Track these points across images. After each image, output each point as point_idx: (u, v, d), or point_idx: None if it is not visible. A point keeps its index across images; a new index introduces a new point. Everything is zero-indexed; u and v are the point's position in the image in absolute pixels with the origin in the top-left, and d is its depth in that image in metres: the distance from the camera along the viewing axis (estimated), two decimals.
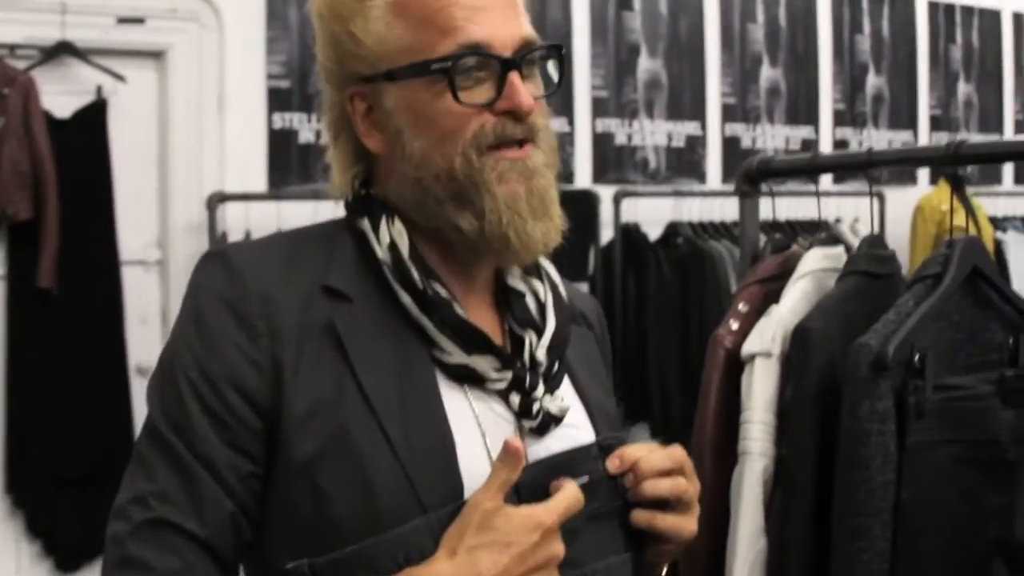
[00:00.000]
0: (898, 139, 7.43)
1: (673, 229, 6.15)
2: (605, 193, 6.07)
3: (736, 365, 2.49)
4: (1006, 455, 2.36)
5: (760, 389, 2.42)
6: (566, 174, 6.25)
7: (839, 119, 7.24)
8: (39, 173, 4.93)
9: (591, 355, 1.75)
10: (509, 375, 1.53)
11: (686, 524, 1.60)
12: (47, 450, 4.86)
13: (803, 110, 7.10)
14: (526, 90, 1.51)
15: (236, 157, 5.36)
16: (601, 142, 6.40)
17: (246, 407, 1.45)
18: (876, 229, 2.58)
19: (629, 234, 6.06)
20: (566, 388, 1.63)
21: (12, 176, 4.88)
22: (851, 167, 2.89)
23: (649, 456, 1.55)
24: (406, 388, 1.48)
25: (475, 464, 1.47)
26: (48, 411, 4.88)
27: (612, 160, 6.43)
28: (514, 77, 1.50)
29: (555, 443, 1.55)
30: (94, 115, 5.14)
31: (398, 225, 1.55)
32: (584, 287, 5.83)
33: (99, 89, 5.15)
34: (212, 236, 5.08)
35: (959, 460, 2.31)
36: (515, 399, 1.54)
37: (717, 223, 6.26)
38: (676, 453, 1.59)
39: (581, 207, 5.97)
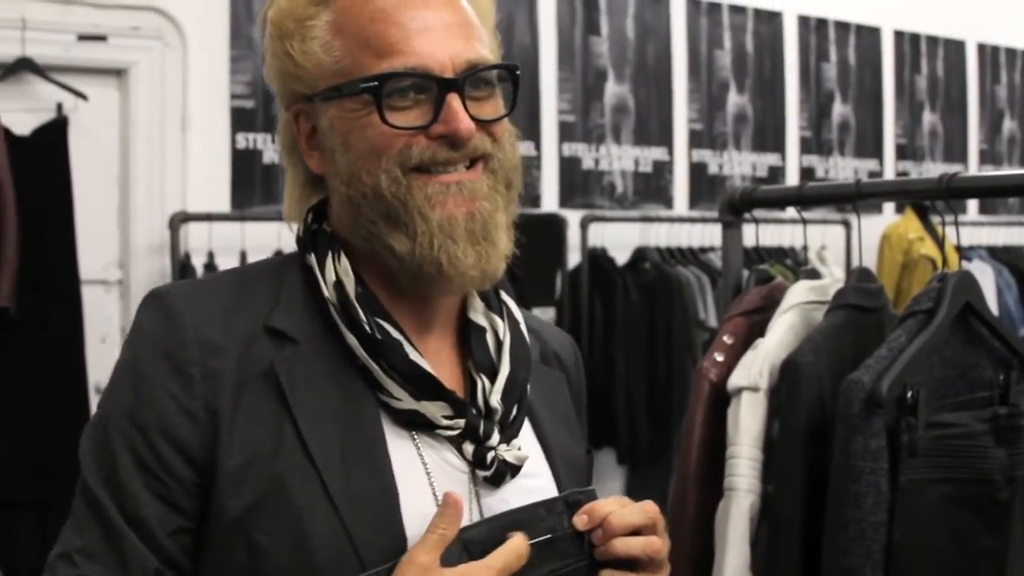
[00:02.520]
0: (864, 167, 7.43)
1: (640, 254, 6.13)
2: (572, 217, 6.03)
3: (721, 398, 2.45)
4: (998, 495, 2.32)
5: (747, 424, 2.37)
6: (532, 198, 6.21)
7: (806, 146, 7.23)
8: None
9: (560, 399, 1.67)
10: (462, 422, 1.46)
11: (651, 540, 1.46)
12: (3, 473, 4.77)
13: (770, 137, 7.08)
14: (464, 114, 1.44)
15: (199, 177, 5.28)
16: (568, 166, 6.36)
17: (178, 459, 1.40)
18: (844, 257, 2.54)
19: (596, 258, 6.03)
20: (526, 435, 1.56)
21: None
22: (839, 199, 2.86)
23: (621, 511, 1.44)
24: (349, 435, 1.42)
25: (420, 517, 1.39)
26: (4, 432, 4.79)
27: (579, 184, 6.39)
28: (452, 100, 1.44)
29: (511, 495, 1.48)
30: (55, 132, 5.05)
31: (344, 263, 1.50)
32: (550, 312, 5.80)
33: (60, 106, 5.06)
34: (174, 256, 5.01)
35: (951, 499, 2.27)
36: (468, 448, 1.47)
37: (684, 248, 6.24)
38: (649, 508, 1.47)
39: (548, 231, 5.94)
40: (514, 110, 1.55)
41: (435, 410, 1.45)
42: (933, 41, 7.77)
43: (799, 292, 2.54)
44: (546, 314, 5.84)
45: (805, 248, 2.89)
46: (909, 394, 2.20)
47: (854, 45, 7.44)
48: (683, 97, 6.77)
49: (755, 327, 2.54)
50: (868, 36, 7.50)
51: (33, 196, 4.92)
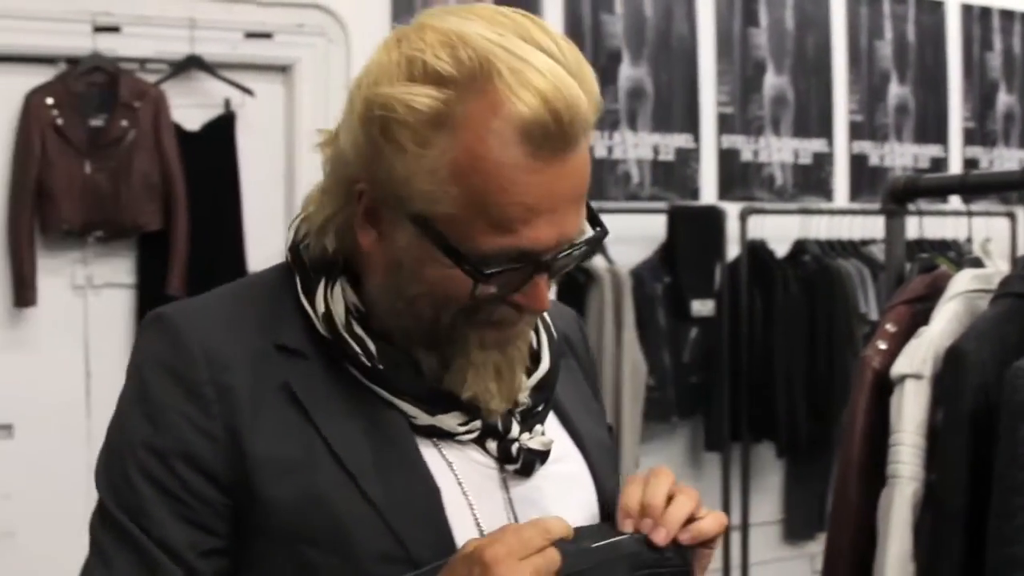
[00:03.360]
0: None
1: (800, 246, 6.08)
2: (731, 209, 6.00)
3: (884, 386, 2.45)
4: None
5: (911, 411, 2.37)
6: (691, 190, 6.22)
7: (969, 137, 7.11)
8: (169, 185, 5.00)
9: (577, 384, 1.66)
10: (478, 424, 1.44)
11: (719, 514, 1.46)
12: None
13: (932, 128, 6.98)
14: (546, 294, 1.37)
15: None
16: (727, 158, 6.35)
17: (202, 481, 1.37)
18: (1009, 249, 2.51)
19: (756, 251, 5.99)
20: (553, 425, 1.54)
21: (143, 188, 4.95)
22: (1005, 187, 2.82)
23: (649, 491, 1.43)
24: (378, 443, 1.40)
25: (458, 515, 1.40)
26: None
27: (738, 176, 6.37)
28: (541, 281, 1.36)
29: (543, 482, 1.49)
30: (223, 128, 5.20)
31: (337, 293, 1.44)
32: (710, 304, 5.79)
33: (227, 102, 5.20)
34: None
35: None
36: (492, 445, 1.46)
37: (845, 241, 6.18)
38: (661, 472, 1.46)
39: (707, 223, 5.93)
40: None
41: (451, 420, 1.43)
42: None
43: (963, 280, 2.52)
44: (705, 306, 5.84)
45: (969, 240, 2.86)
46: None
47: (1020, 33, 7.30)
48: (843, 88, 6.71)
49: (918, 315, 2.53)
50: None
51: (202, 190, 5.07)
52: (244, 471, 1.37)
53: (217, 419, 1.37)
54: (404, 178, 1.33)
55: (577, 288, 5.49)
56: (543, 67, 1.29)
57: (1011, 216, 6.59)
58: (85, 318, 5.08)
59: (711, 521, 1.44)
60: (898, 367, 2.42)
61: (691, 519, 1.43)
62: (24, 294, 4.85)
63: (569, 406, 1.58)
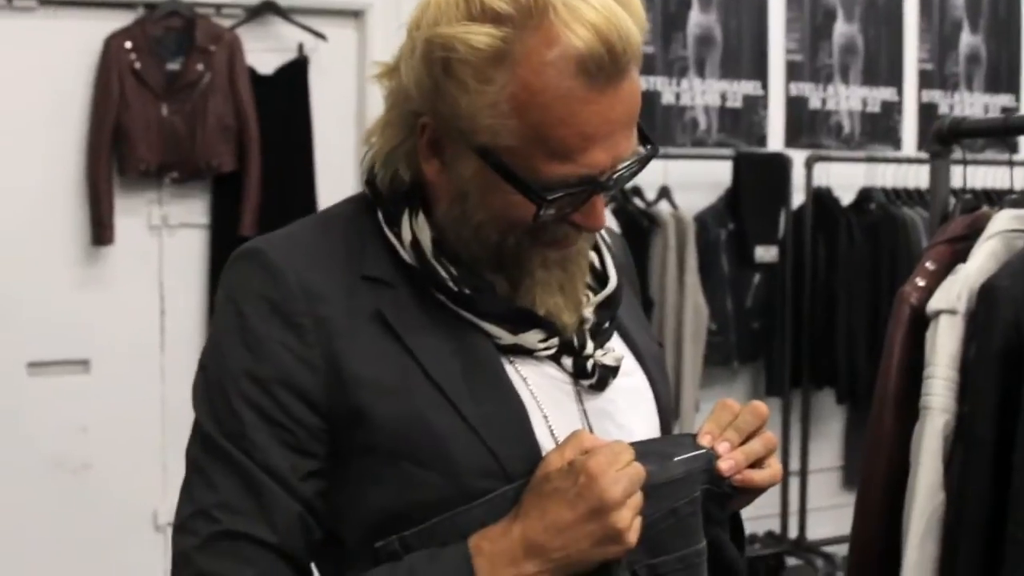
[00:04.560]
0: None
1: (866, 195, 6.10)
2: (797, 157, 6.02)
3: (921, 321, 2.50)
4: None
5: (944, 345, 2.42)
6: (758, 137, 6.25)
7: None
8: (243, 127, 5.12)
9: (632, 303, 1.73)
10: (556, 341, 1.51)
11: (777, 469, 1.55)
12: None
13: (1004, 78, 6.96)
14: (603, 212, 1.46)
15: None
16: (794, 106, 6.37)
17: (303, 407, 1.43)
18: None
19: (821, 198, 6.02)
20: (616, 341, 1.62)
21: (217, 130, 5.06)
22: None
23: (738, 422, 1.51)
24: (468, 365, 1.46)
25: (537, 428, 1.48)
26: None
27: (806, 124, 6.40)
28: (598, 201, 1.45)
29: (614, 394, 1.56)
30: (296, 72, 5.29)
31: (421, 220, 1.50)
32: (773, 250, 5.83)
33: (300, 47, 5.29)
34: None
35: None
36: (567, 362, 1.53)
37: (911, 190, 6.18)
38: (759, 408, 1.53)
39: (772, 170, 5.95)
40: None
41: (532, 338, 1.50)
42: None
43: (1003, 220, 2.56)
44: (769, 252, 5.88)
45: (1011, 191, 2.88)
46: None
47: None
48: (914, 36, 6.70)
49: (959, 254, 2.57)
50: None
51: (275, 133, 5.18)
52: (346, 394, 1.43)
53: (316, 347, 1.43)
54: (467, 113, 1.39)
55: (641, 233, 5.55)
56: (595, 1, 1.36)
57: None
58: (160, 257, 5.21)
59: (765, 474, 1.52)
60: (934, 303, 2.47)
61: (757, 462, 1.52)
62: (102, 233, 4.98)
63: (628, 323, 1.66)
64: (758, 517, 6.25)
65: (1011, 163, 2.79)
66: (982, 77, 6.90)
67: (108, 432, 5.08)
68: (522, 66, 1.36)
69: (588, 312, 1.56)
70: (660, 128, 6.00)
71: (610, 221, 5.28)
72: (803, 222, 5.99)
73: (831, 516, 6.07)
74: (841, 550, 5.47)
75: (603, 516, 1.36)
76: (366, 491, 1.45)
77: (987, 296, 2.37)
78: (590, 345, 1.54)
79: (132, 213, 5.13)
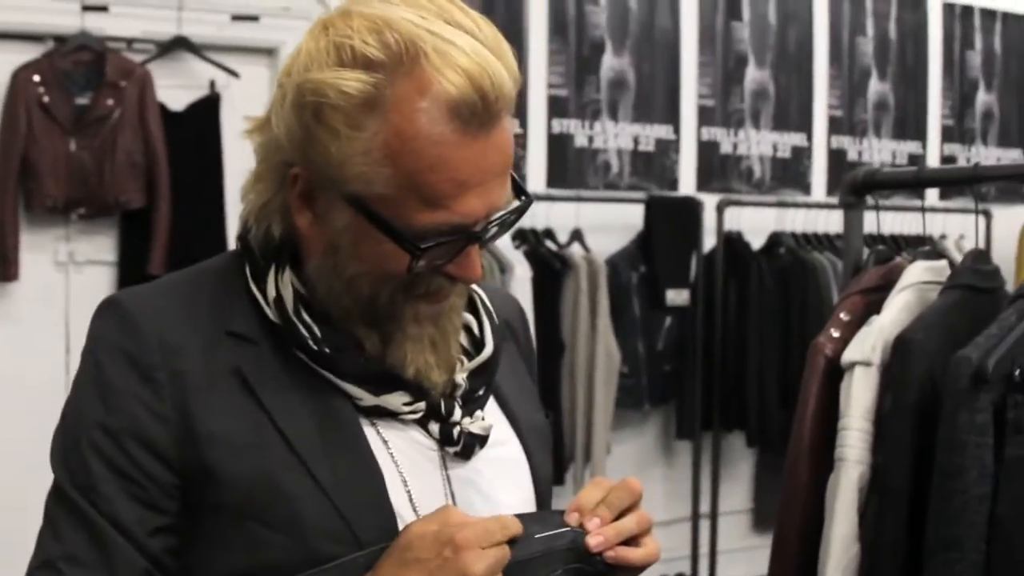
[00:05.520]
0: (1007, 157, 7.36)
1: (776, 239, 6.16)
2: (709, 201, 6.07)
3: (835, 373, 2.52)
4: None
5: (858, 397, 2.44)
6: (670, 181, 6.28)
7: (947, 135, 7.20)
8: (152, 163, 5.06)
9: (517, 370, 1.71)
10: (423, 406, 1.49)
11: (655, 548, 1.49)
12: None
13: (911, 125, 7.07)
14: (478, 263, 1.44)
15: None
16: (706, 150, 6.42)
17: (153, 461, 1.41)
18: (982, 246, 2.57)
19: (732, 242, 6.07)
20: (492, 409, 1.60)
21: (126, 166, 5.01)
22: (957, 182, 2.91)
23: (609, 498, 1.47)
24: (325, 427, 1.44)
25: (394, 493, 1.45)
26: None
27: (717, 169, 6.45)
28: (472, 251, 1.43)
29: (483, 465, 1.54)
30: (207, 109, 5.25)
31: (287, 277, 1.48)
32: (684, 293, 5.86)
33: (212, 83, 5.26)
34: None
35: None
36: (434, 427, 1.50)
37: (821, 235, 6.26)
38: (632, 485, 1.49)
39: (684, 214, 5.99)
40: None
41: (395, 400, 1.47)
42: None
43: (916, 272, 2.59)
44: (680, 296, 5.91)
45: (923, 236, 2.90)
46: (1017, 372, 2.25)
47: (1000, 33, 7.38)
48: (824, 83, 6.80)
49: (872, 305, 2.60)
50: (1015, 24, 7.43)
51: (186, 170, 5.13)
52: (197, 451, 1.40)
53: (168, 401, 1.41)
54: (338, 161, 1.37)
55: (553, 275, 5.56)
56: (467, 47, 1.35)
57: (987, 214, 6.65)
58: (67, 295, 5.13)
59: (641, 552, 1.47)
60: (848, 354, 2.49)
61: (632, 539, 1.47)
62: (6, 269, 4.91)
63: (508, 391, 1.63)
64: (669, 560, 6.27)
65: (923, 209, 2.81)
66: (890, 123, 7.00)
67: (8, 470, 4.97)
68: (394, 112, 1.34)
69: (460, 378, 1.53)
70: (573, 170, 6.02)
71: (522, 264, 5.34)
72: (714, 266, 6.02)
73: (742, 558, 6.10)
74: None
75: None
76: (215, 551, 1.43)
77: (901, 349, 2.39)
78: (457, 412, 1.51)
79: (38, 249, 5.06)
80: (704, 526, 6.22)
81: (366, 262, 1.42)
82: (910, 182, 2.80)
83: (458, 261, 1.42)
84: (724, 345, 6.03)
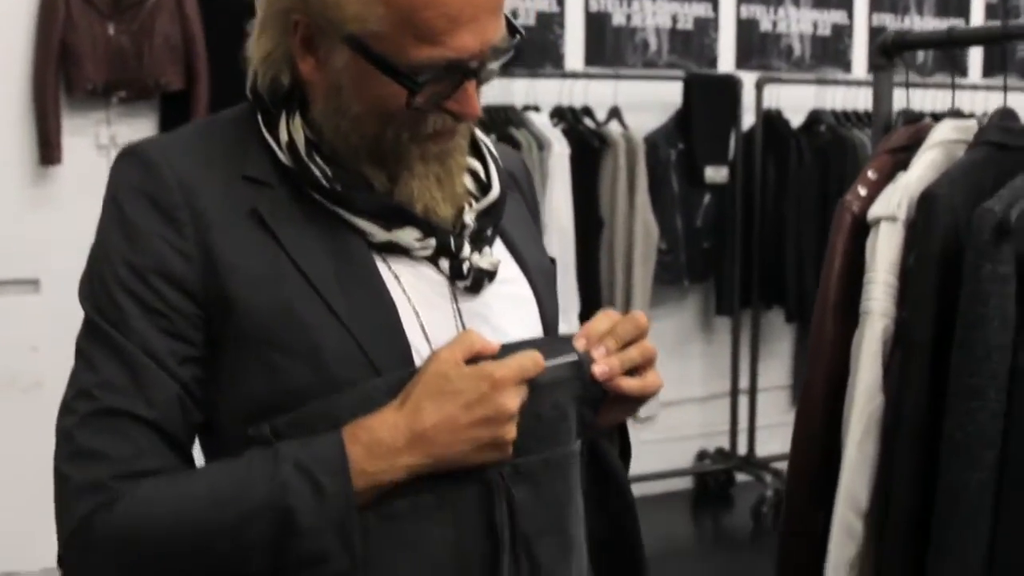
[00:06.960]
0: None
1: (815, 117, 6.14)
2: (748, 79, 6.05)
3: (862, 229, 2.54)
4: None
5: (884, 252, 2.46)
6: (709, 59, 6.26)
7: (991, 12, 7.11)
8: (190, 46, 5.09)
9: (523, 217, 1.76)
10: (433, 242, 1.54)
11: (656, 380, 1.57)
12: None
13: (953, 1, 6.98)
14: (476, 99, 1.49)
15: None
16: (745, 28, 6.38)
17: (178, 295, 1.46)
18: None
19: (771, 120, 6.06)
20: (500, 250, 1.64)
21: (164, 49, 5.04)
22: (987, 40, 2.88)
23: (616, 329, 1.53)
24: (340, 261, 1.50)
25: (408, 325, 1.50)
26: None
27: (756, 46, 6.41)
28: (470, 87, 1.48)
29: (492, 299, 1.59)
30: None
31: (297, 121, 1.53)
32: (724, 171, 5.86)
33: None
34: None
35: None
36: (444, 263, 1.55)
37: (860, 112, 6.22)
38: (639, 318, 1.55)
39: (723, 92, 5.98)
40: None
41: (407, 236, 1.53)
42: None
43: (944, 130, 2.59)
44: (719, 173, 5.91)
45: (952, 109, 2.88)
46: None
47: None
48: None
49: (900, 164, 2.60)
50: None
51: (224, 51, 4.95)
52: (219, 283, 1.46)
53: (191, 239, 1.46)
54: (334, 2, 1.43)
55: (591, 153, 5.57)
56: None
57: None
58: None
59: (635, 382, 1.54)
60: (874, 210, 2.50)
61: (635, 372, 1.54)
62: (49, 153, 4.96)
63: (516, 235, 1.68)
64: (708, 434, 6.34)
65: (953, 86, 2.81)
66: (932, 1, 6.92)
67: (59, 351, 5.02)
68: None
69: (469, 219, 1.58)
70: (610, 49, 6.00)
71: (560, 141, 5.35)
72: (753, 143, 6.02)
73: (780, 433, 6.14)
74: None
75: (495, 426, 1.42)
76: (237, 380, 1.48)
77: (927, 204, 2.40)
78: (467, 248, 1.56)
79: (80, 132, 5.10)
80: (743, 402, 6.27)
81: (367, 101, 1.47)
82: (941, 41, 2.80)
83: (457, 97, 1.47)
84: (763, 222, 6.04)
